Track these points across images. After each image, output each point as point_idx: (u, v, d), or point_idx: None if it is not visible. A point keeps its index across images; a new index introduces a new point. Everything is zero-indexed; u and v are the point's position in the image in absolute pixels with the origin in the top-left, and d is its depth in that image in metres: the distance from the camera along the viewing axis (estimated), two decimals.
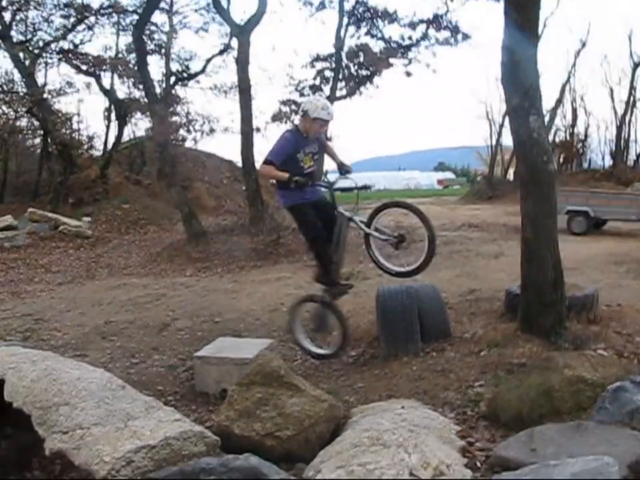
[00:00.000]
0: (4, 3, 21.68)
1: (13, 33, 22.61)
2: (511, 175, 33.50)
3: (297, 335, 6.58)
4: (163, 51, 22.86)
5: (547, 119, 31.28)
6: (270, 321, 8.51)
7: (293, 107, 18.59)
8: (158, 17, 22.97)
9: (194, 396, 6.19)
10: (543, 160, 6.10)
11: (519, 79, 6.03)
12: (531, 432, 3.64)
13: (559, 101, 32.48)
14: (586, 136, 34.73)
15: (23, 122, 25.32)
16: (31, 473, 4.25)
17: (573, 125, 34.30)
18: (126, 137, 26.29)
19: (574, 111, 34.00)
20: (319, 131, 6.16)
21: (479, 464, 3.67)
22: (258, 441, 4.13)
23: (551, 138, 32.87)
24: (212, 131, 22.35)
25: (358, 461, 3.36)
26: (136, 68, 19.21)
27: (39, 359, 4.54)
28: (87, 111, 46.28)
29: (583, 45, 31.38)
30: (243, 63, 17.21)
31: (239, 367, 5.86)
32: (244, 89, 17.30)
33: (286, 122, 18.56)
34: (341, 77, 18.19)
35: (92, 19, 23.20)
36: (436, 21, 17.52)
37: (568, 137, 34.30)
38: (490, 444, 4.00)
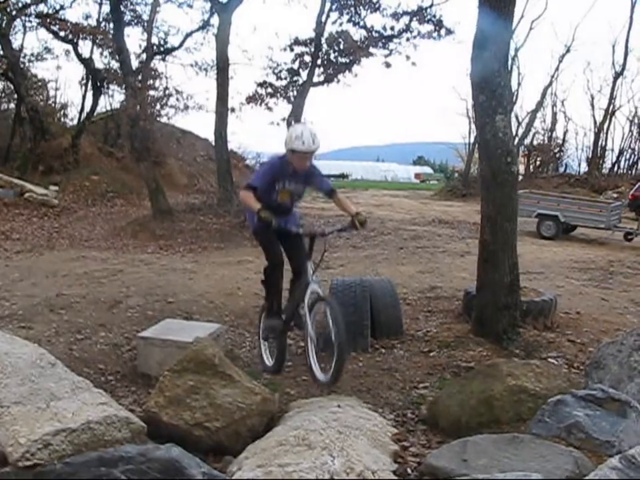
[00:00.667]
0: None
1: None
2: None
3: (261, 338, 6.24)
4: (145, 23, 22.40)
5: (526, 121, 31.51)
6: (224, 305, 8.31)
7: (269, 89, 18.34)
8: None
9: (135, 377, 6.00)
10: (507, 161, 5.99)
11: (488, 76, 5.90)
12: (465, 442, 3.52)
13: (540, 104, 32.53)
14: (564, 141, 34.82)
15: None
16: None
17: (552, 129, 34.36)
18: (103, 108, 25.85)
19: (554, 115, 34.06)
20: (302, 165, 5.35)
21: (410, 470, 3.54)
22: (186, 430, 4.00)
23: (528, 140, 33.04)
24: (186, 107, 21.96)
25: (279, 461, 3.22)
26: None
27: None
28: (64, 79, 45.34)
29: (567, 50, 31.41)
30: (222, 41, 16.95)
31: (181, 350, 5.61)
32: (222, 68, 17.05)
33: (260, 104, 18.27)
34: (319, 62, 17.97)
35: None
36: (420, 14, 17.37)
37: (546, 140, 34.36)
38: (425, 450, 3.87)
